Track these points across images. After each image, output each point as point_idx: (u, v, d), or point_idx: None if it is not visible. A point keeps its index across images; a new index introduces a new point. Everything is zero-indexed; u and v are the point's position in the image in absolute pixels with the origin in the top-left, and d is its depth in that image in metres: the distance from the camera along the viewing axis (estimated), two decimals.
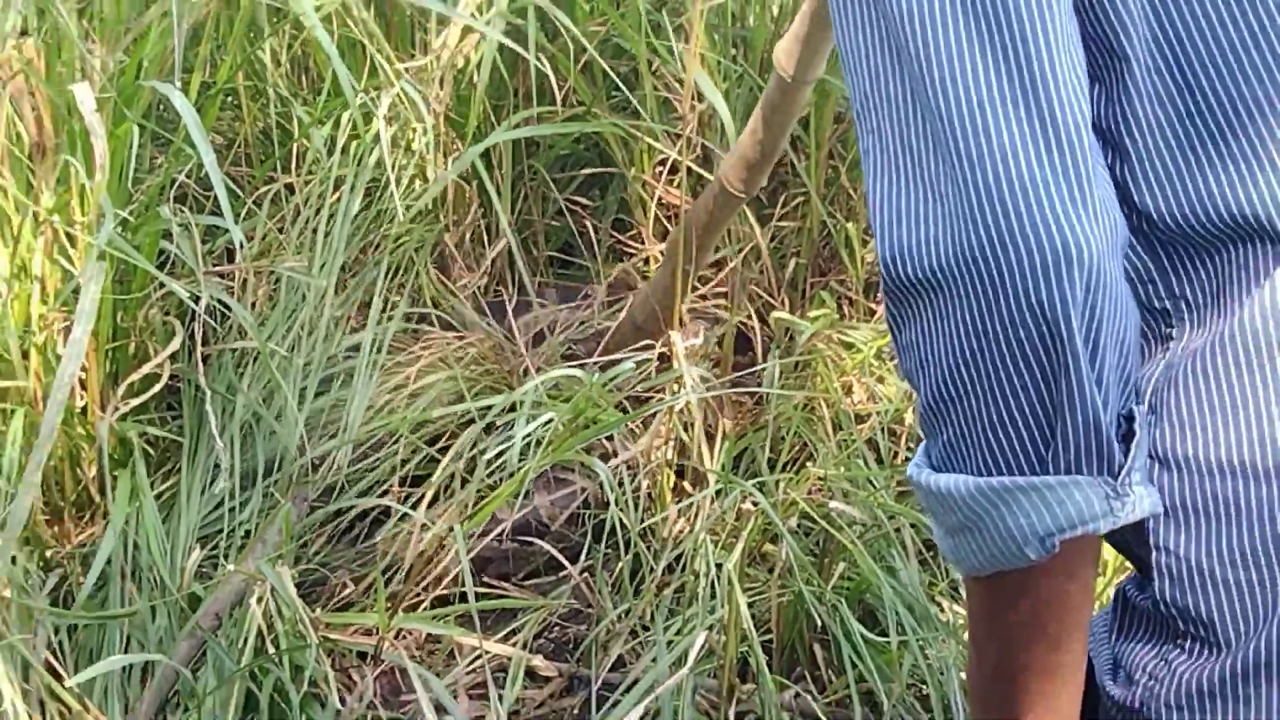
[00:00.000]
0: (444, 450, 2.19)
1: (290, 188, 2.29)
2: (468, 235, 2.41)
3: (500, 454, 2.11)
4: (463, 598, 2.01)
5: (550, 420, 2.11)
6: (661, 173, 2.42)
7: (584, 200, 2.55)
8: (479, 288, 2.38)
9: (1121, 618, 0.98)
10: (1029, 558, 0.88)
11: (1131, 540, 0.95)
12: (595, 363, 2.26)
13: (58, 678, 1.82)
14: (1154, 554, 0.94)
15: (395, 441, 2.20)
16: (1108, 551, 0.99)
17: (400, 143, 2.29)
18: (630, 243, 2.54)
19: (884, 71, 0.90)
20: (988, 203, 0.85)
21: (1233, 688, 0.91)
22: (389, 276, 2.29)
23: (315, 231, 2.22)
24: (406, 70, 2.27)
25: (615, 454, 2.21)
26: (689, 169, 2.34)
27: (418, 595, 2.10)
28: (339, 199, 2.23)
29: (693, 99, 2.31)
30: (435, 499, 2.13)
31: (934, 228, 0.87)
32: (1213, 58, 0.92)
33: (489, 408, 2.19)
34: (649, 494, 2.19)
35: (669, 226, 2.42)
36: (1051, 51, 0.87)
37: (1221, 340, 0.92)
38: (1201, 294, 0.93)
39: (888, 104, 0.90)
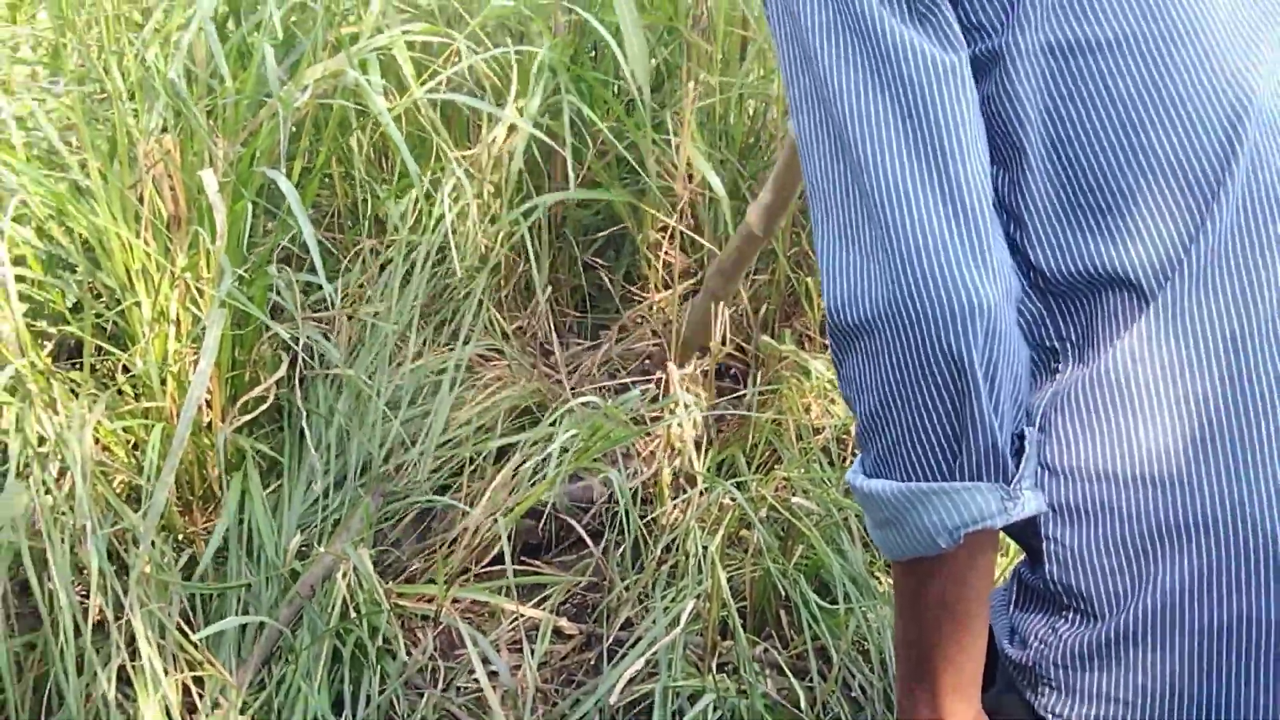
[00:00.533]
0: (497, 456, 2.18)
1: (373, 250, 2.29)
2: (512, 287, 2.42)
3: (541, 459, 2.11)
4: (503, 573, 2.03)
5: (576, 434, 2.12)
6: (662, 237, 2.42)
7: (601, 260, 2.55)
8: (520, 328, 2.38)
9: (1017, 593, 0.97)
10: (940, 546, 0.89)
11: (1026, 532, 0.94)
12: (610, 386, 2.26)
13: (186, 637, 1.82)
14: (1044, 543, 0.93)
15: (455, 447, 2.20)
16: (1007, 538, 1.00)
17: (460, 213, 2.30)
18: (638, 292, 2.53)
19: (831, 161, 0.90)
20: (907, 265, 0.85)
21: (1107, 650, 0.90)
22: (450, 320, 2.29)
23: (390, 285, 2.22)
24: (464, 157, 2.28)
25: (633, 456, 2.22)
26: (682, 233, 2.35)
27: (468, 571, 2.10)
28: (411, 259, 2.23)
29: (686, 178, 2.33)
30: (483, 495, 2.13)
31: (867, 283, 0.86)
32: (1093, 153, 0.91)
33: (535, 422, 2.18)
34: (651, 491, 2.19)
35: (670, 279, 2.42)
36: (961, 146, 0.87)
37: (1096, 373, 0.91)
38: (1081, 335, 0.92)
39: (833, 186, 0.90)
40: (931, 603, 0.92)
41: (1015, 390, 0.88)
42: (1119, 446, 0.89)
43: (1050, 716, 0.92)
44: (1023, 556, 0.98)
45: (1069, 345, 0.93)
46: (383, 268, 2.25)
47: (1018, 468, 0.88)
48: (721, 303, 2.21)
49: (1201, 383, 0.88)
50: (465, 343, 2.20)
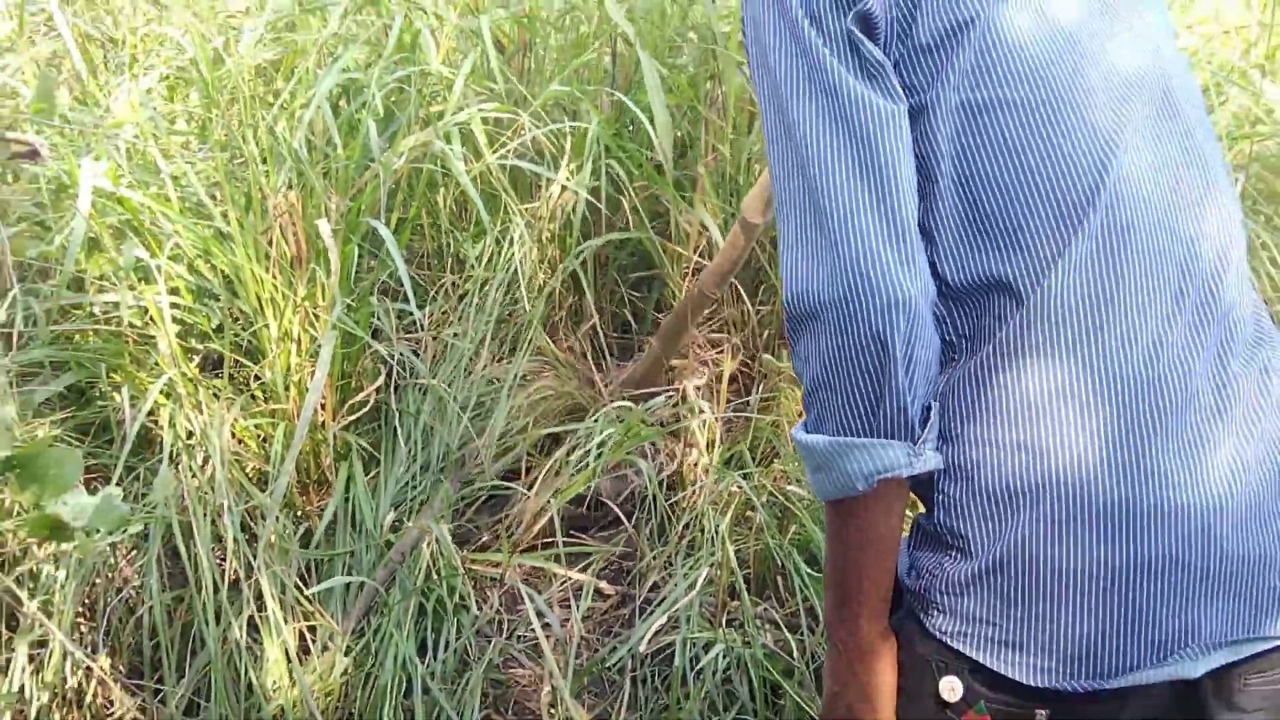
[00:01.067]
0: (549, 450, 2.18)
1: (454, 284, 2.29)
2: (565, 313, 2.41)
3: (584, 453, 2.10)
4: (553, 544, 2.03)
5: (612, 433, 2.11)
6: (686, 273, 2.40)
7: (636, 293, 2.54)
8: (570, 348, 2.37)
9: (914, 536, 0.99)
10: (858, 489, 0.90)
11: (925, 486, 0.96)
12: (642, 393, 2.25)
13: (302, 594, 1.83)
14: (936, 494, 0.95)
15: (519, 439, 2.19)
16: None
17: (523, 255, 2.30)
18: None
19: (794, 181, 0.91)
20: (849, 266, 0.87)
21: (978, 580, 0.92)
22: (514, 340, 2.29)
23: (466, 312, 2.22)
24: (526, 210, 2.28)
25: (660, 451, 2.21)
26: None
27: (528, 542, 2.10)
28: (484, 292, 2.23)
29: (701, 228, 2.32)
30: (541, 480, 2.12)
31: (816, 279, 0.88)
32: (988, 188, 0.93)
33: (579, 423, 2.17)
34: (674, 479, 2.18)
35: None
36: (897, 175, 0.90)
37: (980, 360, 0.93)
38: (972, 330, 0.94)
39: (794, 202, 0.91)
40: (852, 537, 0.94)
41: (927, 371, 0.90)
42: (993, 418, 0.92)
43: (937, 633, 0.94)
44: (921, 509, 1.00)
45: (964, 340, 0.95)
46: (461, 298, 2.25)
47: (923, 431, 0.90)
48: (702, 309, 2.19)
49: (1058, 368, 0.90)
50: (524, 358, 2.18)
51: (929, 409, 0.91)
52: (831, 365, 0.88)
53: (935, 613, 0.94)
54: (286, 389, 2.01)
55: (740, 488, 2.05)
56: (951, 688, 0.92)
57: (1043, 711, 0.91)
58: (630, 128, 2.44)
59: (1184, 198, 0.95)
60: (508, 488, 2.13)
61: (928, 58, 0.92)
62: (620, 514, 2.11)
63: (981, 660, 0.91)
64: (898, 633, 0.97)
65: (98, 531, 1.43)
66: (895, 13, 0.92)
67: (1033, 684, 0.90)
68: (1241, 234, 1.00)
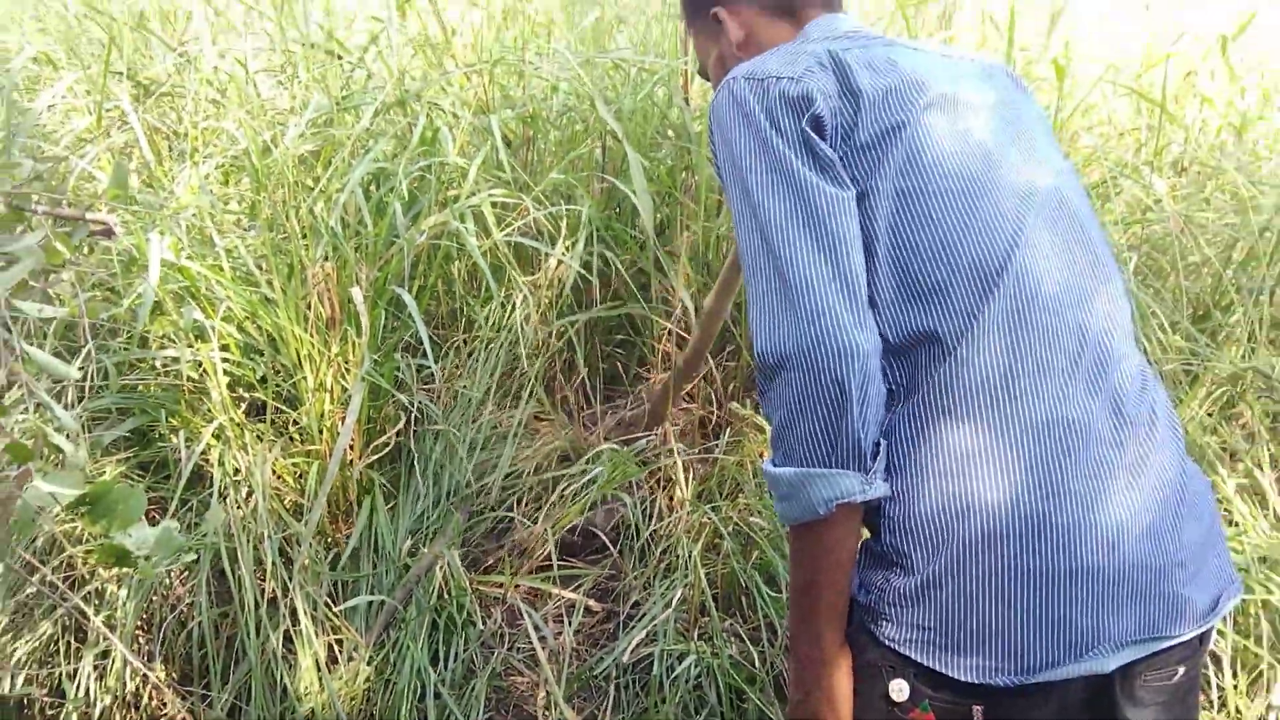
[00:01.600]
0: (547, 486, 2.19)
1: (465, 342, 2.31)
2: (559, 369, 2.43)
3: (580, 487, 2.12)
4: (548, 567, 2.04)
5: (600, 471, 2.14)
6: (663, 336, 2.44)
7: (620, 351, 2.57)
8: (564, 397, 2.40)
9: (864, 557, 1.00)
10: (819, 513, 0.92)
11: (872, 514, 0.97)
12: (625, 439, 2.28)
13: (331, 610, 1.84)
14: (882, 520, 0.96)
15: (518, 479, 2.20)
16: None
17: (525, 318, 2.33)
18: (646, 373, 2.54)
19: (759, 255, 0.95)
20: (810, 325, 0.90)
21: (919, 593, 0.94)
22: (518, 390, 2.32)
23: (475, 366, 2.24)
24: (529, 280, 2.31)
25: (641, 486, 2.21)
26: (677, 334, 2.39)
27: (527, 566, 2.10)
28: (490, 349, 2.26)
29: (680, 299, 2.37)
30: (540, 510, 2.14)
31: (781, 336, 0.91)
32: (917, 258, 0.96)
33: (570, 464, 2.19)
34: (652, 511, 2.20)
35: (665, 365, 2.45)
36: (848, 246, 0.93)
37: (912, 405, 0.95)
38: (908, 379, 0.96)
39: (760, 272, 0.94)
40: (814, 558, 0.96)
41: (877, 412, 0.93)
42: (928, 452, 0.94)
43: (886, 641, 0.95)
44: (867, 535, 1.01)
45: (901, 388, 0.97)
46: (470, 354, 2.27)
47: (873, 464, 0.93)
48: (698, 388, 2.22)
49: (980, 410, 0.93)
50: (526, 408, 2.20)
51: (878, 444, 0.93)
52: (797, 407, 0.90)
53: (884, 623, 0.95)
54: (320, 432, 2.03)
55: (710, 519, 2.06)
56: (899, 689, 0.94)
57: (978, 707, 0.92)
58: (618, 209, 2.48)
59: (1077, 274, 1.00)
60: (511, 518, 2.13)
61: (867, 154, 0.97)
62: (607, 541, 2.12)
63: (924, 662, 0.93)
64: (852, 643, 0.98)
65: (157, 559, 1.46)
66: (840, 119, 0.98)
67: (969, 680, 0.91)
68: (1126, 301, 1.04)
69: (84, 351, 1.88)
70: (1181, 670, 0.97)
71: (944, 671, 0.92)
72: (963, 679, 0.92)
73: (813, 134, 0.96)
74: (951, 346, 0.93)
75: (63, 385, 1.85)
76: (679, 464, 2.15)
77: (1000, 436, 0.92)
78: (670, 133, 2.52)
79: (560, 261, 2.28)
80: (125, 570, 1.86)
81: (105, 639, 1.75)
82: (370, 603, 1.90)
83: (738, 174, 0.97)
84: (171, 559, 1.77)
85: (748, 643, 1.93)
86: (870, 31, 1.11)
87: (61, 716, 1.78)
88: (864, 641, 0.97)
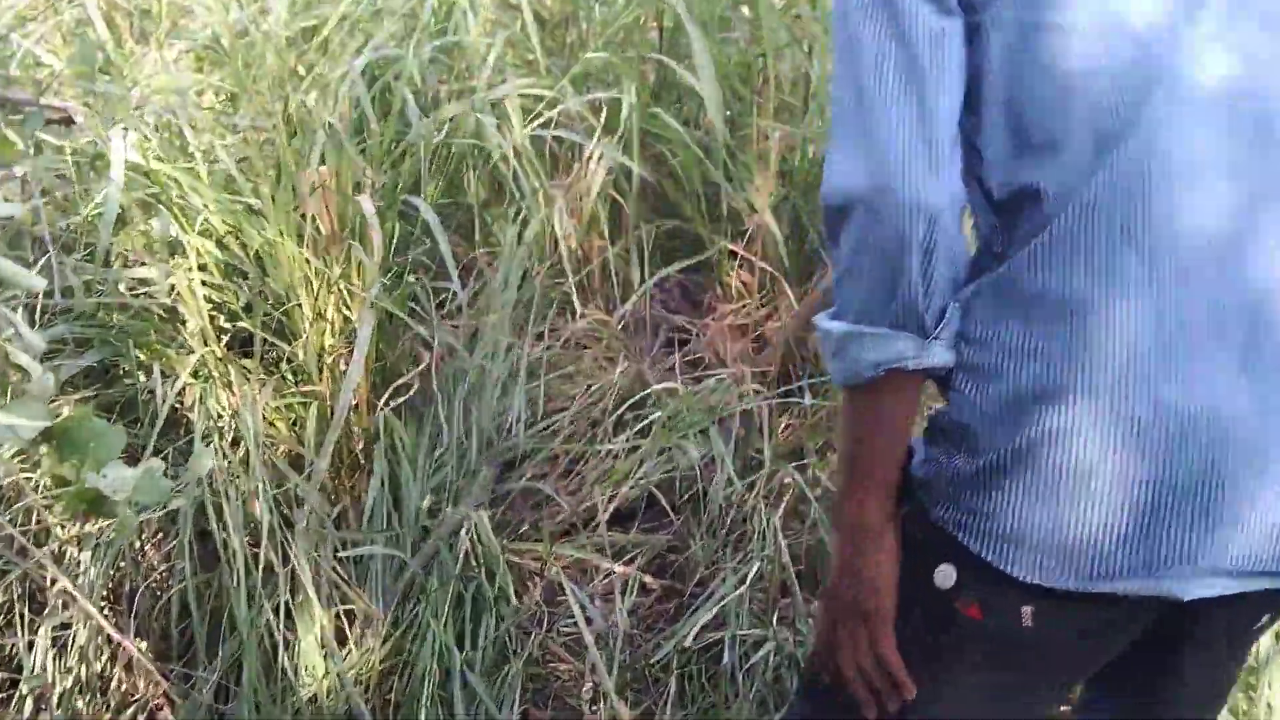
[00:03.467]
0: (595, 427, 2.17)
1: (488, 261, 2.30)
2: (603, 290, 2.40)
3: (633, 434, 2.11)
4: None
5: (658, 415, 2.12)
6: (734, 260, 2.41)
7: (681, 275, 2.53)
8: (623, 324, 2.36)
9: (928, 430, 1.06)
10: (865, 376, 1.00)
11: (945, 382, 1.04)
12: (690, 378, 2.26)
13: (338, 574, 1.85)
14: (950, 393, 1.03)
15: (560, 420, 2.19)
16: None
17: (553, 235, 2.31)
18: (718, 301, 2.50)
19: (847, 87, 0.99)
20: (882, 167, 0.96)
21: (980, 477, 1.00)
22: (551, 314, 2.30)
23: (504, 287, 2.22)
24: (557, 186, 2.29)
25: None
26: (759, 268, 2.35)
27: (568, 531, 2.11)
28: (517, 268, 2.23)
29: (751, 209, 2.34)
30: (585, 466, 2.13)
31: (852, 176, 0.97)
32: (1032, 108, 0.99)
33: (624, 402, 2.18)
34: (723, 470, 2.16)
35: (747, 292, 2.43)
36: (938, 90, 0.97)
37: (998, 273, 1.01)
38: (1007, 240, 1.01)
39: (844, 106, 1.00)
40: (862, 423, 1.04)
41: (946, 272, 0.98)
42: (1012, 324, 0.99)
43: (938, 521, 1.02)
44: (937, 405, 1.08)
45: (1001, 248, 1.02)
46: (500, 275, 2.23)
47: (935, 328, 0.99)
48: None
49: (1077, 281, 0.97)
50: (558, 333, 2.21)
51: (944, 310, 0.99)
52: (856, 255, 0.98)
53: (939, 501, 1.02)
54: (319, 370, 2.03)
55: (794, 479, 2.05)
56: (945, 575, 1.02)
57: (1028, 608, 0.99)
58: (678, 103, 2.46)
59: (1240, 188, 0.98)
60: (543, 476, 2.13)
61: None
62: (667, 505, 2.12)
63: (977, 551, 0.99)
64: (903, 521, 1.05)
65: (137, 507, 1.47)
66: None
67: (1024, 579, 0.98)
68: None
69: (41, 264, 1.89)
70: (1265, 619, 1.05)
71: (998, 565, 0.98)
72: (1018, 575, 0.98)
73: None
74: (1058, 207, 0.98)
75: (18, 301, 1.87)
76: (756, 411, 2.13)
77: (1088, 318, 0.96)
78: (745, 8, 2.48)
79: (601, 157, 2.24)
80: (86, 529, 1.90)
81: (66, 608, 1.78)
82: (384, 567, 1.91)
83: (844, 4, 1.02)
84: (151, 510, 1.79)
85: None
86: None
87: (13, 701, 1.81)
88: (914, 517, 1.05)
